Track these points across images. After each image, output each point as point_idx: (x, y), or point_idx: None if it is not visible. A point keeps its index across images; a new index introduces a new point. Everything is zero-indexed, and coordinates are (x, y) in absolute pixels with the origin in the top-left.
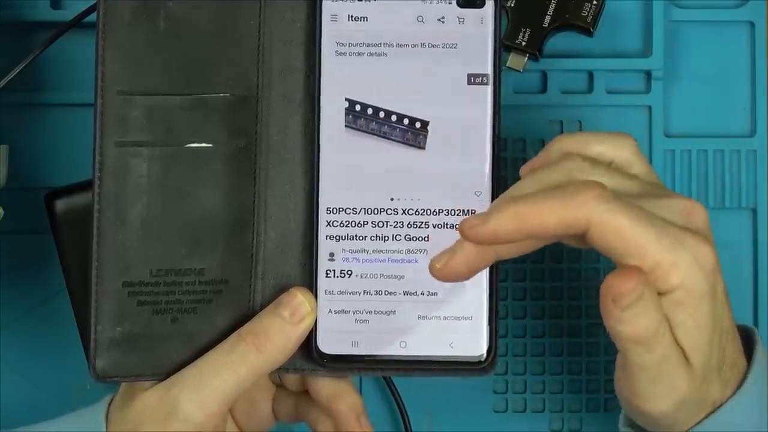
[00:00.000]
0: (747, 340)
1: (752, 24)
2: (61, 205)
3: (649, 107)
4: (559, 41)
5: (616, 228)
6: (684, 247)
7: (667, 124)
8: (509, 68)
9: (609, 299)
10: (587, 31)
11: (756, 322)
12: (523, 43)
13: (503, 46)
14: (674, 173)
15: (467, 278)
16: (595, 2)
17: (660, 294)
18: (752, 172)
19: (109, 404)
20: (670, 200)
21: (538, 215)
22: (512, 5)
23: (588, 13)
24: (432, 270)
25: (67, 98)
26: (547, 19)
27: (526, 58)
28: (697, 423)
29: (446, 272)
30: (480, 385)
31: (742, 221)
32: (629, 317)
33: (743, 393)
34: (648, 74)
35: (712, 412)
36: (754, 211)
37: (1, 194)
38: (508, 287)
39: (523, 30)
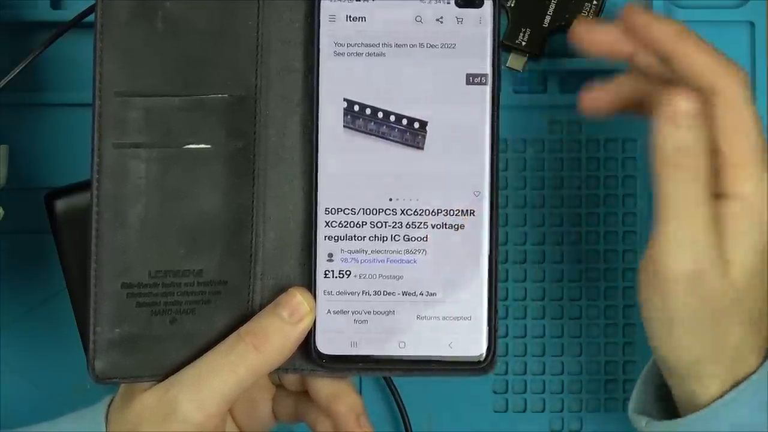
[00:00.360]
0: None
1: (752, 24)
2: (61, 205)
3: None
4: (559, 41)
5: (740, 115)
6: (764, 172)
7: None
8: (509, 68)
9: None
10: None
11: None
12: (523, 43)
13: (503, 46)
14: None
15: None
16: (595, 2)
17: (720, 197)
18: None
19: (109, 405)
20: None
21: (691, 51)
22: (512, 5)
23: (588, 13)
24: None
25: (67, 98)
26: (547, 19)
27: (526, 58)
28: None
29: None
30: (480, 385)
31: None
32: (678, 128)
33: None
34: None
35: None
36: None
37: (1, 194)
38: (508, 287)
39: (523, 30)
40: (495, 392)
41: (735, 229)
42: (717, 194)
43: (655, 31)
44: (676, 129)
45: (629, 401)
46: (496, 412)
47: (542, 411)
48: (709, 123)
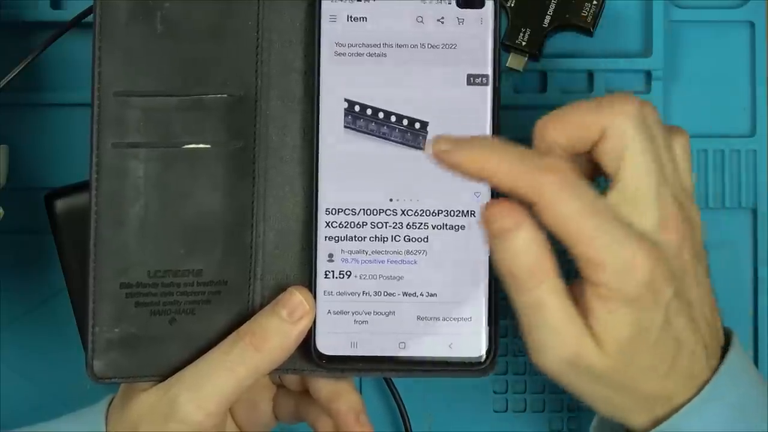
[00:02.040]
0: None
1: (752, 24)
2: (61, 205)
3: None
4: (559, 41)
5: (559, 214)
6: (619, 250)
7: (667, 124)
8: (509, 68)
9: (484, 224)
10: (587, 31)
11: (756, 323)
12: (523, 43)
13: (503, 46)
14: None
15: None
16: (595, 2)
17: (582, 279)
18: (752, 172)
19: (109, 404)
20: (646, 207)
21: (496, 168)
22: (512, 5)
23: (588, 13)
24: (434, 146)
25: (67, 98)
26: (547, 19)
27: (526, 58)
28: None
29: (444, 157)
30: (480, 385)
31: (742, 221)
32: (503, 249)
33: (702, 400)
34: (648, 74)
35: (671, 413)
36: (754, 211)
37: (1, 194)
38: None
39: (523, 30)
40: (495, 392)
41: (600, 311)
42: (584, 279)
43: (459, 167)
44: (499, 242)
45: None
46: (496, 412)
47: (542, 411)
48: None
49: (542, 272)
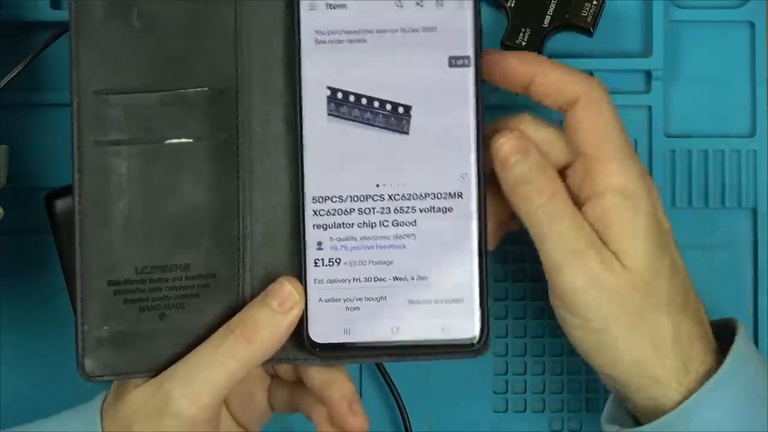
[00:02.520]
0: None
1: (752, 24)
2: (61, 205)
3: (649, 107)
4: (559, 41)
5: (604, 111)
6: (635, 163)
7: (667, 124)
8: None
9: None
10: (587, 31)
11: (756, 322)
12: (523, 43)
13: (503, 46)
14: (674, 173)
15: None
16: (595, 2)
17: (593, 196)
18: (752, 172)
19: (104, 401)
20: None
21: (548, 70)
22: (512, 5)
23: (588, 13)
24: (488, 58)
25: (67, 98)
26: (547, 19)
27: None
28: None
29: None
30: (480, 385)
31: (742, 221)
32: (514, 173)
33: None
34: (648, 74)
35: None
36: (754, 211)
37: (1, 194)
38: (507, 287)
39: (523, 30)
40: (495, 392)
41: (616, 221)
42: (593, 194)
43: (510, 62)
44: (509, 169)
45: (602, 412)
46: (496, 412)
47: (542, 411)
48: (571, 131)
49: (552, 186)
